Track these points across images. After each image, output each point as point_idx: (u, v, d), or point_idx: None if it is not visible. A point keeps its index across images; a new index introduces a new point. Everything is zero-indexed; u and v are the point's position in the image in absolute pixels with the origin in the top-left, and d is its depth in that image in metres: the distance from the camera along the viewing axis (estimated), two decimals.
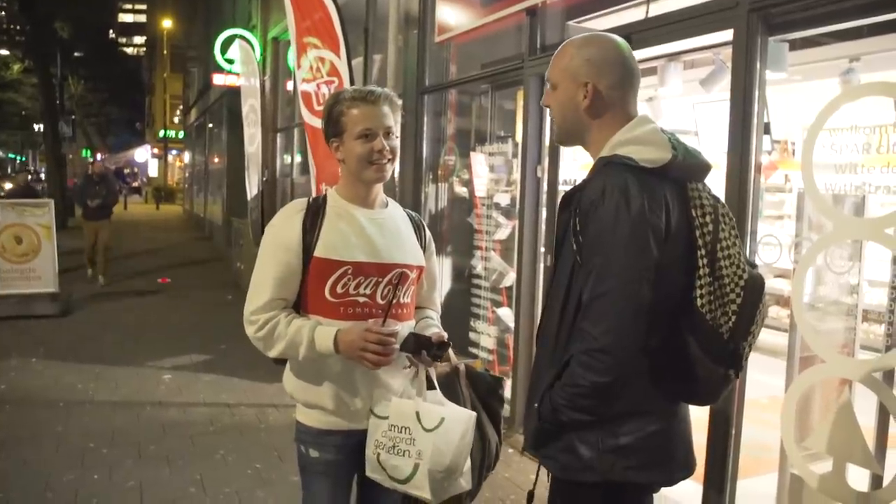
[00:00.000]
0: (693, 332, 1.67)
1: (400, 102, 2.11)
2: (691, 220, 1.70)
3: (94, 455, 4.37)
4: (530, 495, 1.90)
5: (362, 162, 2.02)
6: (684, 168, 1.71)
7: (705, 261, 1.68)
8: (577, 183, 1.76)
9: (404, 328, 2.07)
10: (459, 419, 1.95)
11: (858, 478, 2.67)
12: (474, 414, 2.00)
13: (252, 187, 8.76)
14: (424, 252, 2.22)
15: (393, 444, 1.95)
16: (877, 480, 2.61)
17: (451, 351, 2.10)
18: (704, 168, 1.77)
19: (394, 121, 2.06)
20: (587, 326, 1.61)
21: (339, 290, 2.01)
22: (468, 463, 1.95)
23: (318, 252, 2.00)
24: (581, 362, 1.62)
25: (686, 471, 1.81)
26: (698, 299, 1.67)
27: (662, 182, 1.67)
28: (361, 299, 2.03)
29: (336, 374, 2.04)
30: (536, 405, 1.74)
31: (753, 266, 1.76)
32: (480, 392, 2.13)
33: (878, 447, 2.62)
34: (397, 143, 2.08)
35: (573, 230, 1.67)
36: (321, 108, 5.19)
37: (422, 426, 1.93)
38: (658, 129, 1.74)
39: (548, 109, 1.88)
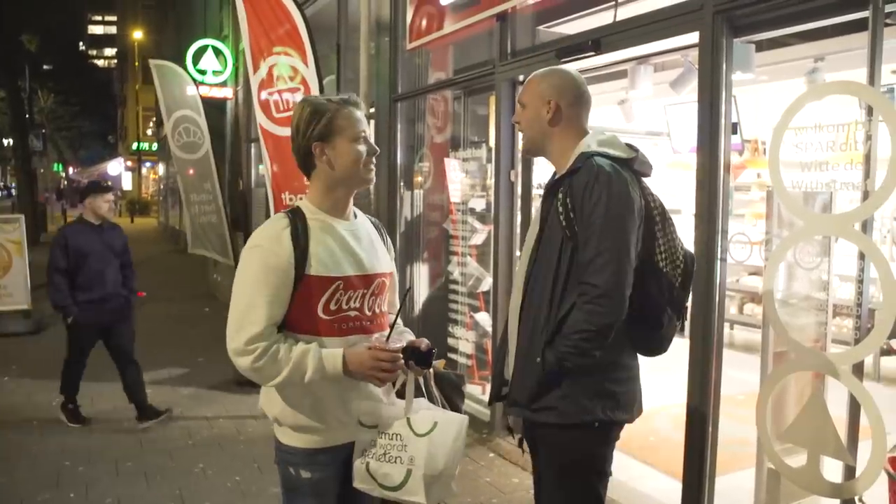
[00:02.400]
0: (657, 284, 2.13)
1: None
2: (648, 202, 2.15)
3: (70, 473, 4.30)
4: (521, 442, 2.28)
5: (359, 163, 2.01)
6: (642, 164, 2.20)
7: (662, 231, 2.15)
8: (559, 175, 2.17)
9: (381, 337, 2.06)
10: (452, 422, 1.97)
11: (832, 470, 2.71)
12: (466, 417, 2.01)
13: (195, 195, 8.52)
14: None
15: (384, 451, 1.95)
16: (850, 472, 2.65)
17: None
18: (650, 167, 2.25)
19: None
20: (589, 279, 1.99)
21: (332, 306, 1.98)
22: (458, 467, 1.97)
23: (312, 270, 1.95)
24: (586, 310, 1.99)
25: (639, 412, 2.25)
26: (660, 261, 2.14)
27: (631, 172, 2.13)
28: (352, 314, 2.01)
29: (326, 392, 1.99)
30: (539, 360, 2.06)
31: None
32: (445, 391, 2.16)
33: (850, 439, 2.66)
34: None
35: (565, 210, 2.05)
36: (282, 115, 5.23)
37: (413, 432, 1.93)
38: (616, 136, 2.21)
39: (517, 126, 2.33)
